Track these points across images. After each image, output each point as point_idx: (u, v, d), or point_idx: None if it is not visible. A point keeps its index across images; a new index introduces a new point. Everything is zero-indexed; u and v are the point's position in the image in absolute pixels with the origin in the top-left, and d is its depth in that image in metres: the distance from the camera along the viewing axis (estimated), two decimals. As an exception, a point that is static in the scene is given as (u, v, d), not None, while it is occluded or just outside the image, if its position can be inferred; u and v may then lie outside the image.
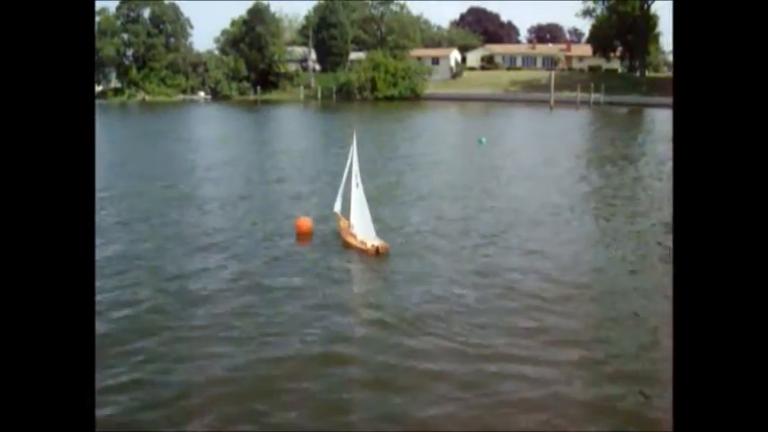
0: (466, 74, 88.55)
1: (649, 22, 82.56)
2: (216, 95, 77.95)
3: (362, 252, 12.51)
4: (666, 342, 8.22)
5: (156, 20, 78.60)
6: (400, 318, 9.38)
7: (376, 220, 13.29)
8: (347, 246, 12.96)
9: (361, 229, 12.96)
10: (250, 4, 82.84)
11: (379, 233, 12.98)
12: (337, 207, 14.00)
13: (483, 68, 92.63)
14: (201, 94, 78.00)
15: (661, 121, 50.06)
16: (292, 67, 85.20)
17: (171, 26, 79.29)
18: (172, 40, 79.60)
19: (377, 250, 12.38)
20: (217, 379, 7.68)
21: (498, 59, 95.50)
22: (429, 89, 79.06)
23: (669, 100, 61.20)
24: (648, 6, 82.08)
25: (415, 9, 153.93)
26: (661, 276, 10.94)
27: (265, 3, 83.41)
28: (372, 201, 13.67)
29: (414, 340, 8.66)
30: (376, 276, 11.56)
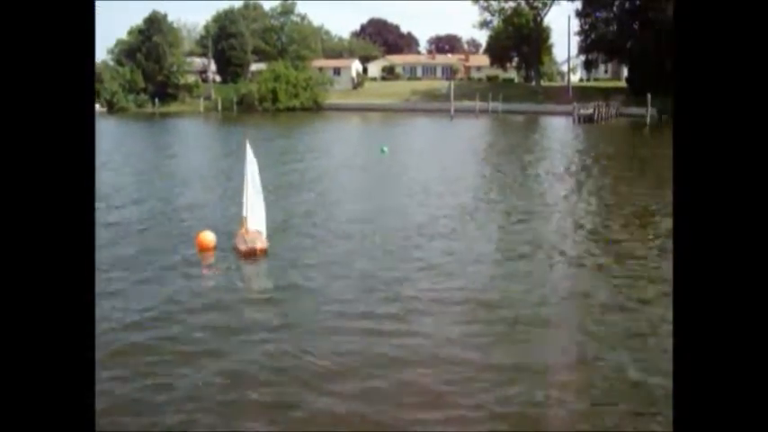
0: (367, 84, 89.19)
1: (542, 34, 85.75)
2: (112, 108, 75.26)
3: (247, 255, 12.46)
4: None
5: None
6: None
7: (268, 227, 13.27)
8: (237, 252, 12.76)
9: (255, 234, 12.98)
10: (147, 13, 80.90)
11: (270, 239, 12.96)
12: (245, 214, 13.82)
13: (384, 79, 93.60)
14: (97, 106, 75.37)
15: (556, 127, 51.88)
16: (191, 79, 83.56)
17: (62, 36, 76.20)
18: (63, 50, 76.50)
19: (255, 252, 12.49)
20: None
21: (399, 70, 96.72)
22: (331, 100, 79.19)
23: (563, 107, 63.65)
24: (541, 19, 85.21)
25: (315, 19, 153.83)
26: (559, 280, 11.25)
27: (163, 12, 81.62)
28: (269, 209, 13.59)
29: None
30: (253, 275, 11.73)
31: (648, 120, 55.56)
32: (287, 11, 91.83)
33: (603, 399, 6.94)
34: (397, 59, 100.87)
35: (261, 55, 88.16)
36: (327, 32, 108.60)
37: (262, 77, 78.42)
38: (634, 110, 60.54)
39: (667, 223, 14.70)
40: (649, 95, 56.90)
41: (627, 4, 73.07)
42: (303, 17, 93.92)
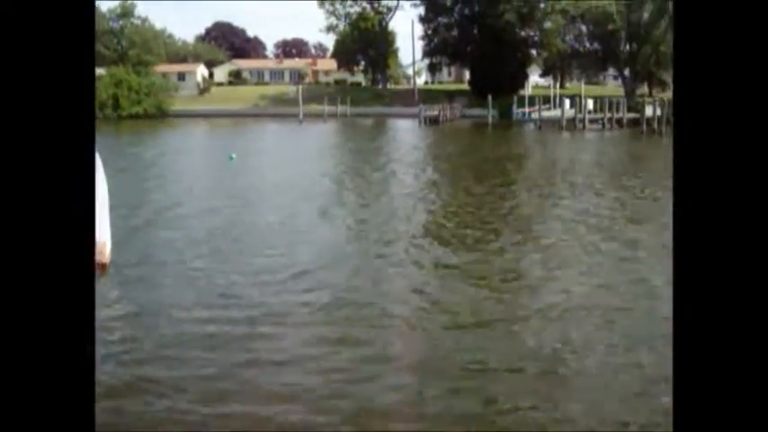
0: (214, 89, 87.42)
1: (388, 38, 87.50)
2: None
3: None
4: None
5: None
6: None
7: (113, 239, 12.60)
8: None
9: (99, 246, 12.33)
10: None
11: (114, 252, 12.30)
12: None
13: (231, 84, 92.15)
14: None
15: (403, 129, 53.05)
16: (24, 85, 78.44)
17: None
18: None
19: (98, 265, 11.86)
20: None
21: (246, 74, 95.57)
22: (176, 106, 76.84)
23: (409, 110, 65.30)
24: (386, 24, 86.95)
25: (157, 22, 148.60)
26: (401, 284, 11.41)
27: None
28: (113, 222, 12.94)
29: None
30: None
31: (490, 120, 58.09)
32: (126, 13, 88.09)
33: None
34: (243, 64, 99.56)
35: (100, 60, 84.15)
36: (171, 36, 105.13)
37: (101, 83, 74.84)
38: (477, 111, 63.07)
39: (512, 215, 15.39)
40: (490, 97, 59.56)
41: (466, 11, 76.03)
42: (144, 20, 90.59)
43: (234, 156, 31.55)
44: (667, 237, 13.49)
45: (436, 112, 58.84)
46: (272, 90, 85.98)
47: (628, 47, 72.21)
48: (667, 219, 15.66)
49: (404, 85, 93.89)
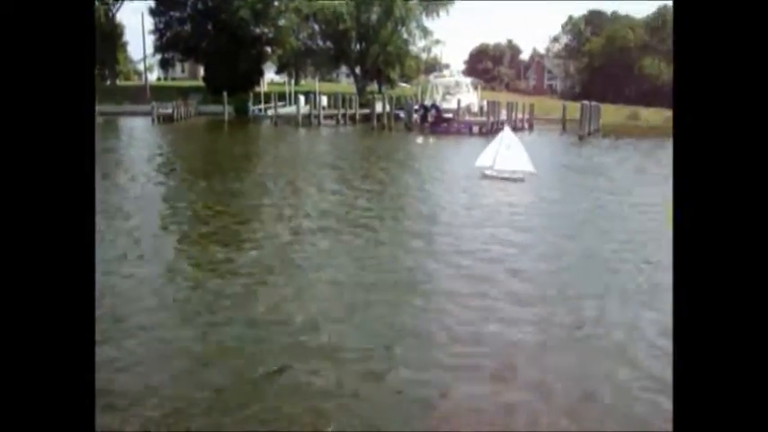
0: None
1: (115, 30, 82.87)
2: None
3: None
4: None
5: None
6: None
7: None
8: None
9: None
10: None
11: None
12: None
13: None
14: None
15: (136, 128, 50.61)
16: None
17: None
18: None
19: None
20: None
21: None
22: None
23: (142, 108, 62.22)
24: (113, 15, 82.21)
25: None
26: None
27: None
28: None
29: None
30: None
31: (227, 117, 57.55)
32: None
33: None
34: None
35: None
36: None
37: None
38: (212, 108, 62.04)
39: (244, 213, 15.37)
40: (225, 94, 58.96)
41: (200, 5, 74.35)
42: None
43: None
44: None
45: (170, 110, 56.92)
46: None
47: (358, 46, 75.39)
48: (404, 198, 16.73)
49: (135, 82, 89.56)
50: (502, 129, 25.75)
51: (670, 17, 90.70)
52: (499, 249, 12.48)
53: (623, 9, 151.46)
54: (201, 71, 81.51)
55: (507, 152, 22.94)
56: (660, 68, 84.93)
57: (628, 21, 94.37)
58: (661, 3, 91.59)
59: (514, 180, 22.31)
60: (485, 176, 22.90)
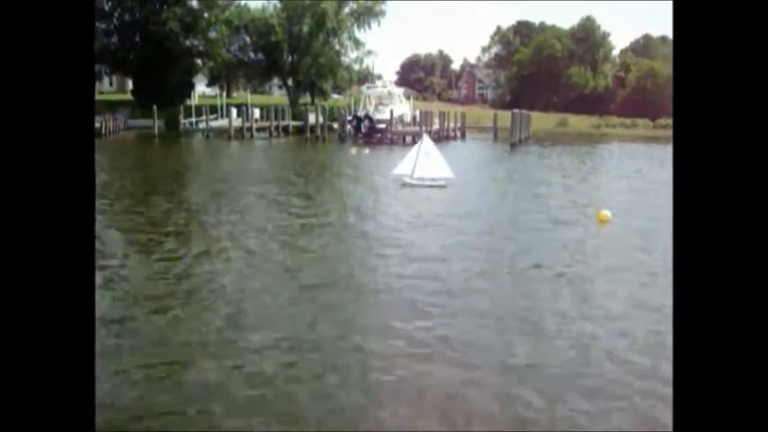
0: None
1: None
2: None
3: None
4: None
5: None
6: None
7: None
8: None
9: None
10: None
11: None
12: None
13: None
14: None
15: None
16: None
17: None
18: None
19: None
20: None
21: None
22: None
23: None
24: (36, 28, 79.96)
25: None
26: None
27: None
28: None
29: None
30: None
31: (157, 131, 56.58)
32: None
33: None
34: None
35: None
36: None
37: None
38: (142, 122, 60.97)
39: (179, 227, 15.13)
40: (155, 107, 58.00)
41: (127, 16, 72.99)
42: None
43: None
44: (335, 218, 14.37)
45: (99, 125, 55.62)
46: None
47: (290, 58, 75.16)
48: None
49: None
50: (437, 138, 25.94)
51: (594, 28, 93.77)
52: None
53: (550, 20, 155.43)
54: (130, 84, 79.91)
55: (426, 158, 22.95)
56: (586, 77, 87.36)
57: (555, 31, 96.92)
58: (584, 14, 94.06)
59: (438, 187, 22.45)
60: (405, 185, 22.83)
